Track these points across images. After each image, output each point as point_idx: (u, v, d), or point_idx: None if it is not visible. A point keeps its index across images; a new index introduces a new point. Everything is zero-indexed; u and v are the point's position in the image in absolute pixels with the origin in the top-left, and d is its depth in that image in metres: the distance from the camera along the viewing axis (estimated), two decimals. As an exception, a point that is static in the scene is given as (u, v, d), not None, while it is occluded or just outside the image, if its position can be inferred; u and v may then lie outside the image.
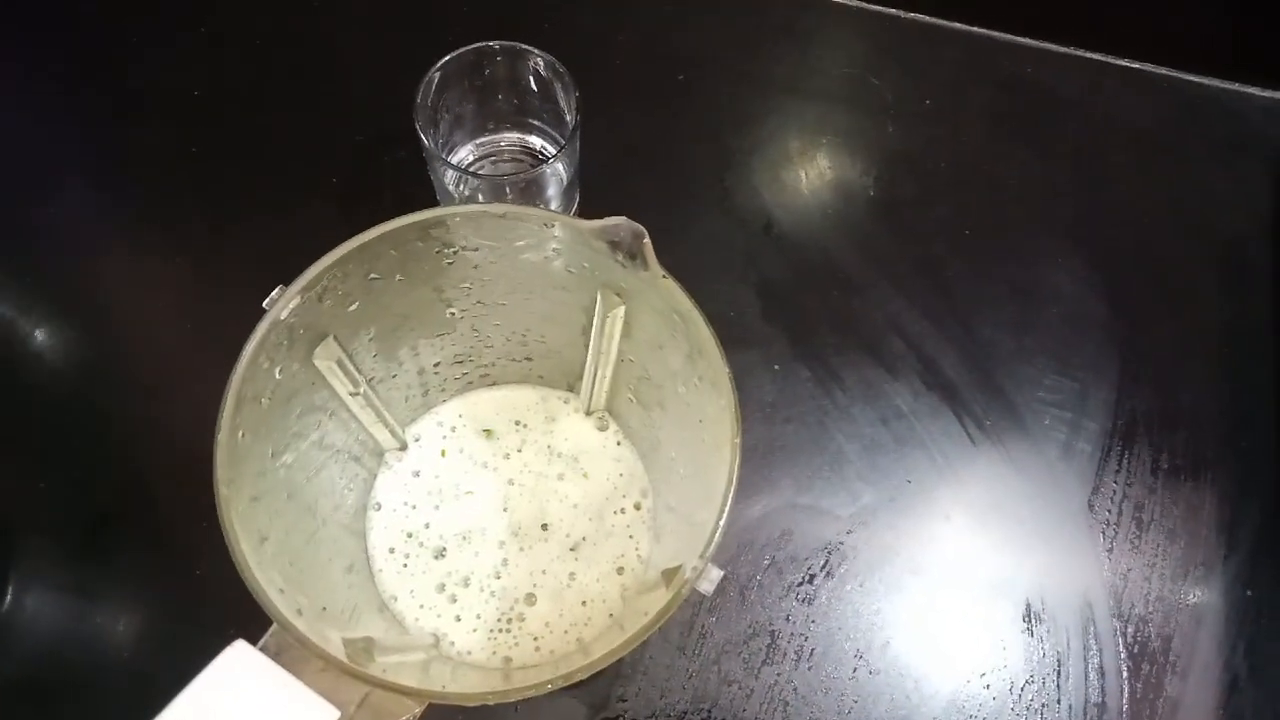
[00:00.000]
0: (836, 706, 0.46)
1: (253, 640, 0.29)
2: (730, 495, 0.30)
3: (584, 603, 0.43)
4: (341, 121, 0.59)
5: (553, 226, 0.34)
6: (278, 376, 0.33)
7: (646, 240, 0.32)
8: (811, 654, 0.47)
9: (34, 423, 0.51)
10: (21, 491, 0.49)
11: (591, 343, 0.39)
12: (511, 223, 0.34)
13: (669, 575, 0.32)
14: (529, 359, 0.44)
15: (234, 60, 0.61)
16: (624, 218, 0.32)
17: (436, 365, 0.43)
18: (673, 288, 0.33)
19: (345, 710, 0.28)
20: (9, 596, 0.47)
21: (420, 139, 0.47)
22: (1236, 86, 0.61)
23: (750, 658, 0.47)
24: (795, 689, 0.47)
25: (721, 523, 0.30)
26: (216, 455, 0.29)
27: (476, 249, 0.35)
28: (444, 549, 0.43)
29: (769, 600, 0.48)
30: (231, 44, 0.61)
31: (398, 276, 0.35)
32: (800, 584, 0.48)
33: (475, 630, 0.42)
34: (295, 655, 0.28)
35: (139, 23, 0.62)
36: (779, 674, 0.47)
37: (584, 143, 0.50)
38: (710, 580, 0.29)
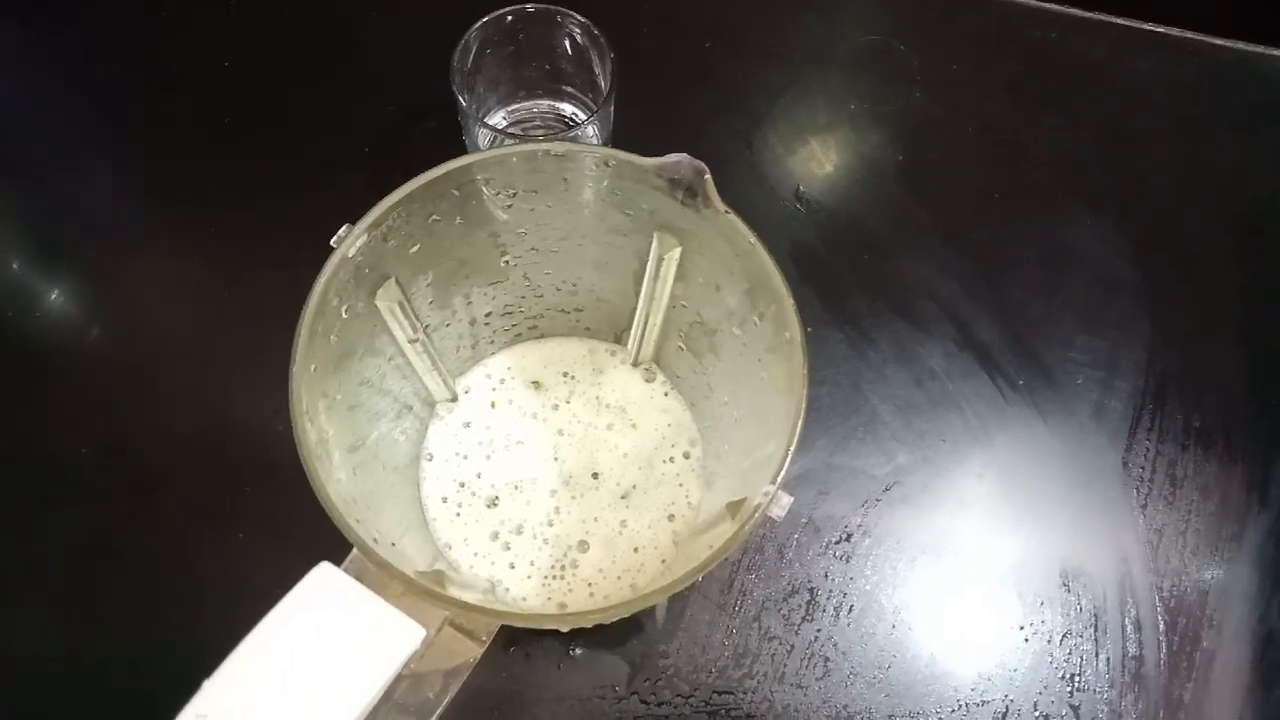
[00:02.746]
0: (876, 661, 0.47)
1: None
2: (800, 422, 0.30)
3: (636, 549, 0.43)
4: (371, 92, 0.59)
5: (611, 164, 0.34)
6: (344, 315, 0.33)
7: (708, 176, 0.32)
8: (851, 610, 0.47)
9: (74, 390, 0.51)
10: (64, 457, 0.49)
11: (644, 287, 0.40)
12: (570, 162, 0.34)
13: (734, 508, 0.32)
14: (578, 309, 0.45)
15: (263, 32, 0.61)
16: (685, 154, 0.33)
17: (488, 315, 0.43)
18: (735, 222, 0.33)
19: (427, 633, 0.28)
20: (56, 560, 0.47)
21: (456, 100, 0.48)
22: (1261, 49, 0.61)
23: (790, 614, 0.47)
24: (835, 644, 0.47)
25: (792, 448, 0.30)
26: (293, 387, 0.29)
27: (535, 191, 0.36)
28: (496, 498, 0.44)
29: (807, 558, 0.48)
30: (260, 16, 0.61)
31: (458, 219, 0.35)
32: (838, 542, 0.49)
33: (530, 577, 0.42)
34: (374, 580, 0.28)
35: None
36: (819, 630, 0.47)
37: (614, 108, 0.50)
38: (781, 506, 0.30)
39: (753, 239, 0.33)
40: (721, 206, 0.33)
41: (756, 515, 0.29)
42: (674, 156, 0.32)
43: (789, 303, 0.32)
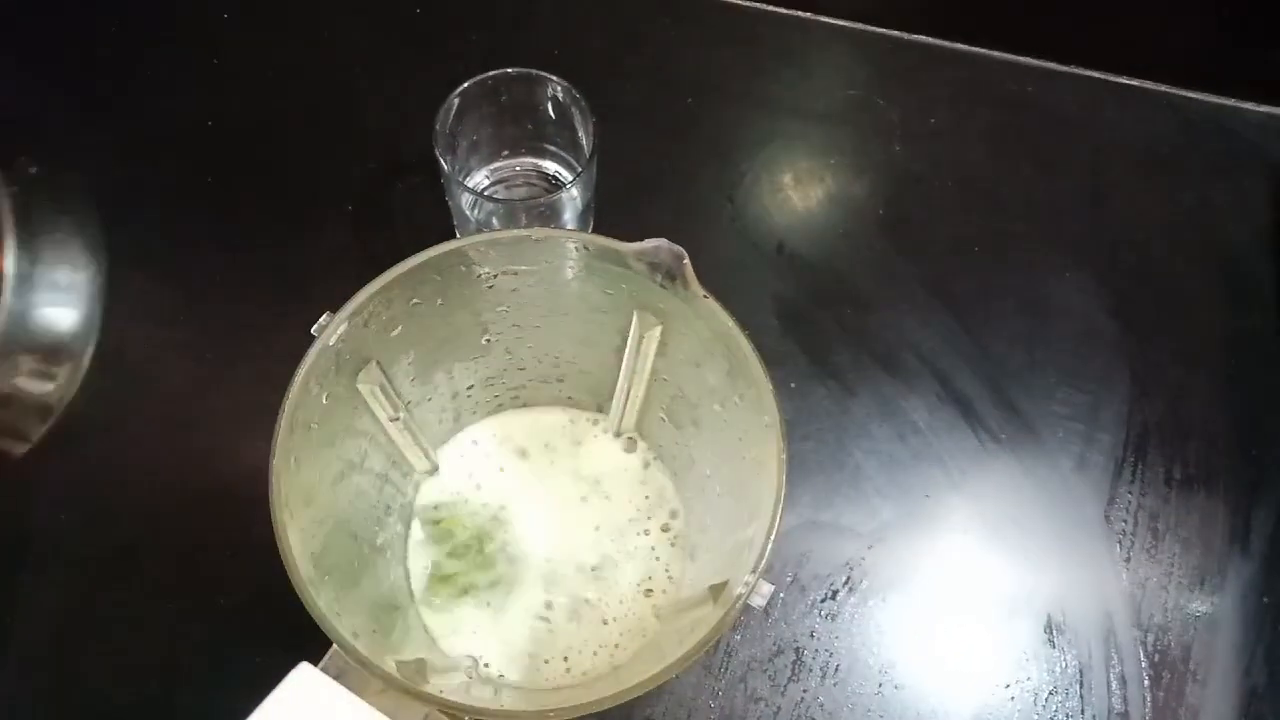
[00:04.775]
0: (863, 721, 0.47)
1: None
2: (779, 511, 0.30)
3: (607, 622, 0.43)
4: (354, 150, 0.59)
5: (591, 249, 0.34)
6: (324, 402, 0.33)
7: (686, 261, 0.33)
8: (837, 670, 0.48)
9: (54, 455, 0.51)
10: (45, 523, 0.49)
11: (625, 362, 0.40)
12: (550, 246, 0.34)
13: (716, 591, 0.32)
14: (560, 380, 0.45)
15: (247, 92, 0.61)
16: (663, 240, 0.33)
17: (469, 388, 0.43)
18: (714, 307, 0.33)
19: (408, 731, 0.28)
20: (34, 629, 0.47)
21: (438, 163, 0.48)
22: (1233, 102, 0.62)
23: (776, 675, 0.47)
24: (821, 705, 0.47)
25: (772, 539, 0.30)
26: (273, 481, 0.29)
27: (516, 273, 0.36)
28: (475, 571, 0.44)
29: (793, 617, 0.48)
30: (245, 76, 0.61)
31: (439, 301, 0.35)
32: (823, 600, 0.49)
33: (510, 651, 0.42)
34: (355, 678, 0.28)
35: (153, 56, 0.62)
36: (805, 691, 0.47)
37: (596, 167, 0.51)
38: (762, 595, 0.30)
39: (731, 323, 0.33)
40: (700, 291, 0.33)
41: (738, 605, 0.29)
42: (653, 242, 0.33)
43: (768, 388, 0.32)
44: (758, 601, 0.30)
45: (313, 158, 0.59)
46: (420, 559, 0.44)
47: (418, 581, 0.43)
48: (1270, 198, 0.59)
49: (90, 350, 0.54)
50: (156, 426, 0.52)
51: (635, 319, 0.37)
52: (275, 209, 0.58)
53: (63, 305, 0.55)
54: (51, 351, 0.53)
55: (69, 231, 0.56)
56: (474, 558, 0.43)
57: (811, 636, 0.48)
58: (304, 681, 0.27)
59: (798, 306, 0.56)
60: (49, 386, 0.52)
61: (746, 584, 0.29)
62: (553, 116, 0.52)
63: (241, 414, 0.50)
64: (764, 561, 0.30)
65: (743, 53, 0.63)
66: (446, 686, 0.31)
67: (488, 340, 0.40)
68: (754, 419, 0.33)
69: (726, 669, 0.47)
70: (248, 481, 0.48)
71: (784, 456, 0.31)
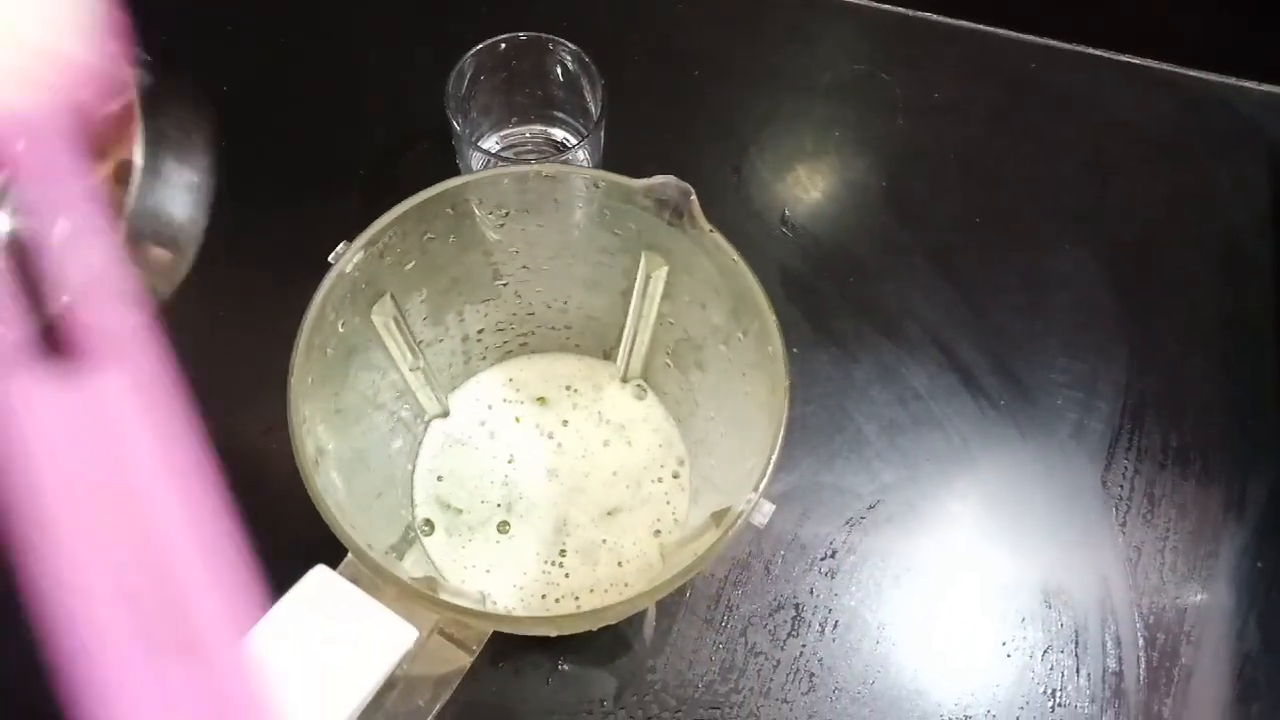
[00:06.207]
0: (861, 676, 0.47)
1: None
2: (782, 432, 0.31)
3: (622, 564, 0.44)
4: (364, 117, 0.60)
5: (600, 185, 0.35)
6: (340, 330, 0.34)
7: (693, 196, 0.34)
8: (835, 626, 0.48)
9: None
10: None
11: (632, 305, 0.41)
12: (561, 183, 0.35)
13: (718, 517, 0.33)
14: (568, 326, 0.46)
15: (258, 59, 0.62)
16: (671, 176, 0.34)
17: (480, 332, 0.44)
18: (720, 241, 0.34)
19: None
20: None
21: (450, 124, 0.49)
22: (1234, 81, 0.63)
23: (776, 630, 0.48)
24: (820, 660, 0.47)
25: (774, 458, 0.31)
26: (290, 398, 0.30)
27: (527, 210, 0.37)
28: (486, 512, 0.44)
29: (793, 574, 0.49)
30: (258, 42, 0.63)
31: (452, 238, 0.36)
32: (823, 559, 0.49)
33: (519, 588, 0.43)
34: (368, 585, 0.29)
35: (164, 20, 0.63)
36: (804, 645, 0.48)
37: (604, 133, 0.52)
38: (764, 514, 0.31)
39: (735, 256, 0.34)
40: (706, 226, 0.34)
41: (740, 522, 0.30)
42: (660, 178, 0.34)
43: (771, 318, 0.33)
44: (759, 520, 0.31)
45: (325, 123, 0.60)
46: (427, 499, 0.45)
47: (425, 521, 0.44)
48: (1270, 176, 0.60)
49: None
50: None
51: (643, 259, 0.38)
52: (287, 172, 0.58)
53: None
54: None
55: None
56: (483, 507, 0.44)
57: (811, 593, 0.49)
58: (320, 581, 0.28)
59: (801, 276, 0.57)
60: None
61: (749, 501, 0.30)
62: (562, 82, 0.53)
63: (251, 370, 0.51)
64: (765, 481, 0.31)
65: (748, 27, 0.64)
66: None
67: (498, 282, 0.41)
68: (758, 351, 0.34)
69: (727, 623, 0.48)
70: (256, 433, 0.49)
71: (787, 383, 0.32)
